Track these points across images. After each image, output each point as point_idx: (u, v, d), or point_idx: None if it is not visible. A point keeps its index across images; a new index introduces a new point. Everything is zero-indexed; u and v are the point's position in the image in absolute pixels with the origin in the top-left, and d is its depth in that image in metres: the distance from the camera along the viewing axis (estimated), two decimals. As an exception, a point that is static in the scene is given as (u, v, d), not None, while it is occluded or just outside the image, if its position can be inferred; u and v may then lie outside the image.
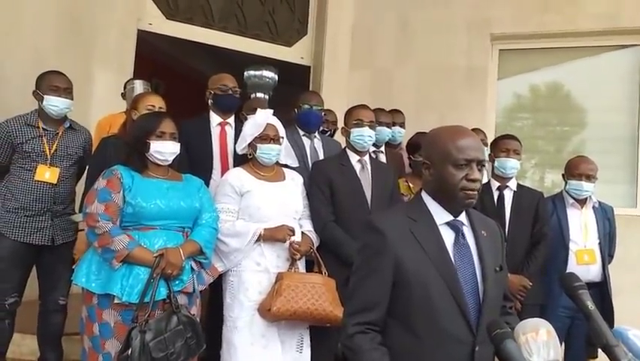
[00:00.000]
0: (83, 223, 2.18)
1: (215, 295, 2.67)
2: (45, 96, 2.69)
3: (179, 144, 2.27)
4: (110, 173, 2.16)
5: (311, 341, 2.50)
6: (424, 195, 1.47)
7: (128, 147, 2.26)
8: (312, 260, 2.56)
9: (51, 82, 2.71)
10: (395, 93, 4.80)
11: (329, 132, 3.52)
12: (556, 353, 1.07)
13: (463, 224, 1.44)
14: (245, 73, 6.93)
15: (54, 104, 2.70)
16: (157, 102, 2.66)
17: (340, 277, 2.37)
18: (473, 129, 3.43)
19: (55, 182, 2.72)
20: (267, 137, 2.54)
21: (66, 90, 2.74)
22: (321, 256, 2.54)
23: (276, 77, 7.02)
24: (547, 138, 4.89)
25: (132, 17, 4.47)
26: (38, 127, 2.72)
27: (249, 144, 2.56)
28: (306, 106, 3.02)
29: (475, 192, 1.38)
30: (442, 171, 1.39)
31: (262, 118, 2.57)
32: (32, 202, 2.68)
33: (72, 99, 2.78)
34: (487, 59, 4.85)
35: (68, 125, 2.83)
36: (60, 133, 2.78)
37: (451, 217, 1.43)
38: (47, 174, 2.70)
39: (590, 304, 1.12)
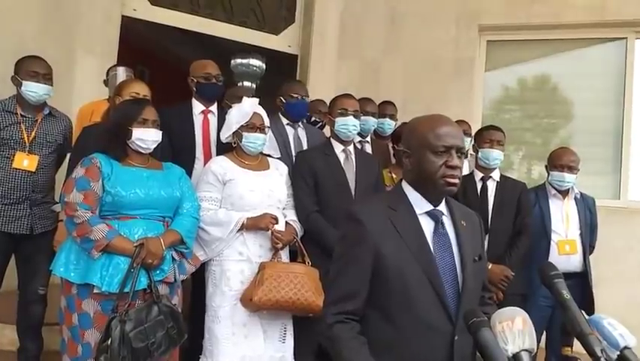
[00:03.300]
0: (63, 213, 2.13)
1: (198, 285, 2.66)
2: (23, 82, 2.63)
3: (161, 131, 2.24)
4: (88, 161, 2.12)
5: (294, 331, 2.49)
6: (404, 185, 1.47)
7: (108, 133, 2.21)
8: (296, 250, 2.55)
9: (30, 67, 2.64)
10: (383, 84, 4.79)
11: (321, 123, 3.48)
12: (531, 341, 1.07)
13: (442, 214, 1.44)
14: (232, 61, 6.87)
15: (33, 90, 2.64)
16: (142, 90, 2.61)
17: (324, 267, 2.35)
18: (457, 121, 3.47)
19: (33, 170, 2.66)
20: (254, 125, 2.51)
21: (45, 76, 2.68)
22: (305, 246, 2.53)
23: (264, 65, 6.97)
24: (534, 130, 4.92)
25: (116, 3, 4.38)
26: (16, 113, 2.66)
27: (234, 133, 2.54)
28: (295, 96, 2.97)
29: (456, 180, 1.37)
30: (422, 158, 1.39)
31: (249, 106, 2.54)
32: (10, 190, 2.63)
33: (52, 85, 2.71)
34: (474, 50, 4.85)
35: (48, 111, 2.77)
36: (39, 120, 2.72)
37: (430, 207, 1.42)
38: (25, 161, 2.64)
39: (566, 293, 1.13)
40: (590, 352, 1.03)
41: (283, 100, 3.00)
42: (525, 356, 1.04)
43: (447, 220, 1.44)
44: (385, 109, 3.70)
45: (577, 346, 1.16)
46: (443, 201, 1.46)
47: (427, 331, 1.34)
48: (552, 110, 4.85)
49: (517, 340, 1.06)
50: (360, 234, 1.37)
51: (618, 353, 1.06)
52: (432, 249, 1.38)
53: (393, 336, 1.35)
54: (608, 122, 4.61)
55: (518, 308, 1.13)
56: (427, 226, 1.41)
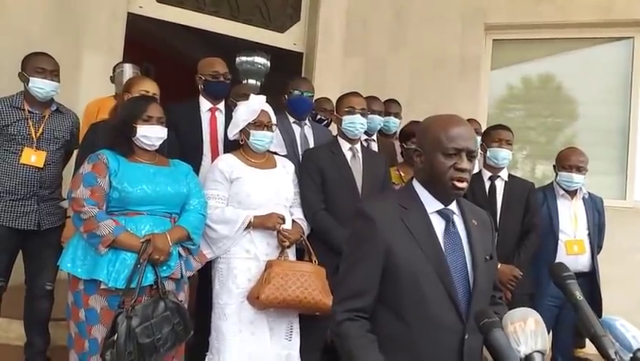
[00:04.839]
0: (70, 209, 2.14)
1: (204, 282, 2.66)
2: (30, 78, 2.63)
3: (166, 128, 2.24)
4: (95, 157, 2.13)
5: (300, 328, 2.49)
6: (415, 184, 1.46)
7: (114, 130, 2.21)
8: (303, 248, 2.54)
9: (37, 64, 2.64)
10: (388, 81, 4.77)
11: (326, 121, 3.48)
12: (543, 342, 1.06)
13: (453, 213, 1.43)
14: (237, 59, 6.87)
15: (39, 86, 2.64)
16: (151, 88, 2.60)
17: (330, 266, 2.36)
18: (467, 120, 3.47)
19: (41, 166, 2.67)
20: (261, 123, 2.50)
21: (52, 72, 2.68)
22: (312, 245, 2.52)
23: (268, 63, 6.97)
24: (539, 129, 4.90)
25: (122, 0, 4.38)
26: (24, 109, 2.67)
27: (241, 130, 2.53)
28: (297, 92, 2.97)
29: (464, 182, 1.37)
30: (432, 159, 1.39)
31: (256, 104, 2.53)
32: (17, 186, 2.63)
33: (59, 82, 2.71)
34: (480, 48, 4.84)
35: (55, 108, 2.77)
36: (46, 116, 2.72)
37: (441, 206, 1.42)
38: (33, 157, 2.65)
39: (579, 295, 1.12)
40: (604, 354, 1.02)
41: (286, 96, 3.00)
42: (538, 358, 1.03)
43: (458, 219, 1.44)
44: (390, 107, 3.70)
45: (587, 347, 1.15)
46: (454, 200, 1.45)
47: (437, 330, 1.33)
48: (557, 109, 4.84)
49: (530, 341, 1.05)
50: (370, 231, 1.37)
51: (631, 355, 1.05)
52: (443, 248, 1.37)
53: (403, 334, 1.35)
54: (613, 122, 4.59)
55: (530, 309, 1.12)
56: (438, 225, 1.40)
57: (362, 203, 1.50)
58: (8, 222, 2.62)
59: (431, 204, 1.42)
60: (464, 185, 1.37)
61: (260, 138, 2.50)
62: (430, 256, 1.35)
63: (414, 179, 1.48)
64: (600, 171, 4.29)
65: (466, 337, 1.34)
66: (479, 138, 3.15)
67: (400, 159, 3.36)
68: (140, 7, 4.55)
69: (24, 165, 2.64)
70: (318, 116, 3.47)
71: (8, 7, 3.74)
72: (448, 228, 1.41)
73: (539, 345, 1.05)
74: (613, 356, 1.01)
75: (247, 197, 2.44)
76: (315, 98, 3.22)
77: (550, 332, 2.87)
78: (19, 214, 2.64)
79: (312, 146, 2.95)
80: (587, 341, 1.12)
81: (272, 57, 6.84)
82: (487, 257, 1.42)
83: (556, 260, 2.76)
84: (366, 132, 3.13)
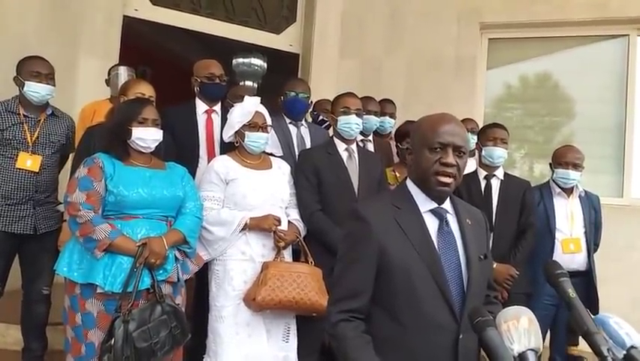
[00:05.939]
0: (66, 213, 2.14)
1: (201, 284, 2.66)
2: (26, 82, 2.63)
3: (161, 130, 2.24)
4: (91, 161, 2.12)
5: (298, 330, 2.49)
6: (409, 183, 1.46)
7: (110, 133, 2.21)
8: (299, 249, 2.54)
9: (32, 67, 2.64)
10: (384, 82, 4.78)
11: (328, 122, 3.47)
12: (537, 340, 1.06)
13: (447, 212, 1.43)
14: (233, 60, 6.86)
15: (35, 90, 2.64)
16: (147, 91, 2.60)
17: (327, 266, 2.35)
18: (463, 120, 3.48)
19: (37, 170, 2.66)
20: (256, 125, 2.51)
21: (48, 76, 2.68)
22: (308, 246, 2.52)
23: (265, 64, 6.96)
24: (536, 128, 4.91)
25: (118, 3, 4.39)
26: (19, 114, 2.66)
27: (237, 132, 2.53)
28: (292, 93, 2.98)
29: (448, 178, 1.36)
30: (419, 155, 1.39)
31: (251, 106, 2.53)
32: (13, 191, 2.63)
33: (54, 85, 2.72)
34: (476, 48, 4.84)
35: (50, 112, 2.77)
36: (42, 120, 2.72)
37: (434, 205, 1.42)
38: (29, 161, 2.64)
39: (571, 292, 1.12)
40: (597, 351, 1.03)
41: (282, 98, 3.01)
42: (531, 356, 1.03)
43: (452, 218, 1.44)
44: (385, 107, 3.70)
45: (582, 345, 1.15)
46: (448, 199, 1.45)
47: (431, 329, 1.33)
48: (554, 107, 4.84)
49: (523, 339, 1.05)
50: (364, 232, 1.37)
51: (625, 352, 1.06)
52: (436, 247, 1.37)
53: (398, 334, 1.35)
54: (610, 120, 4.59)
55: (524, 307, 1.13)
56: (432, 224, 1.40)
57: (356, 204, 1.51)
58: (4, 226, 2.62)
59: (424, 204, 1.42)
60: (449, 180, 1.36)
61: (255, 140, 2.50)
62: (423, 255, 1.35)
63: (407, 178, 1.48)
64: (597, 169, 4.30)
65: (461, 336, 1.33)
66: (475, 137, 3.16)
67: (396, 159, 3.36)
68: (136, 9, 4.56)
69: (20, 169, 2.64)
70: (321, 117, 3.47)
71: (3, 10, 3.74)
72: (441, 227, 1.40)
73: (533, 343, 1.05)
74: (605, 353, 1.01)
75: (243, 198, 2.44)
76: (310, 99, 3.23)
77: (548, 331, 2.87)
78: (15, 219, 2.64)
79: (309, 147, 2.95)
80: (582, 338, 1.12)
81: (268, 58, 6.84)
82: (482, 256, 1.42)
83: (553, 259, 2.76)
84: (362, 132, 3.14)
